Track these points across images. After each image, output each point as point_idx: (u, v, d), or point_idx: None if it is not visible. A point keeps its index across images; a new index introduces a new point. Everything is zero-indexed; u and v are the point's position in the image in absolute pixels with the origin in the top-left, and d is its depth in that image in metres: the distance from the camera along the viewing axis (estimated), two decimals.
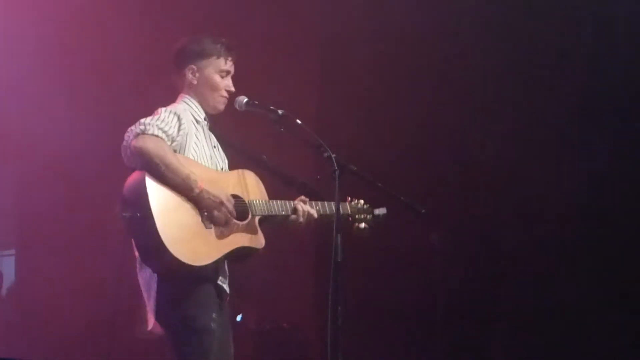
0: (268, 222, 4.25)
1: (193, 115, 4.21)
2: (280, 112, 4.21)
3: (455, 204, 6.42)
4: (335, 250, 3.91)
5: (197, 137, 4.16)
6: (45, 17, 6.55)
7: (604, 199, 6.11)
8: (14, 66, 6.56)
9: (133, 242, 4.01)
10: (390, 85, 6.65)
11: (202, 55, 4.22)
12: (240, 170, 4.27)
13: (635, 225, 5.97)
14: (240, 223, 4.10)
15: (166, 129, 3.98)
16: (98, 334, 6.20)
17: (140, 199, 3.88)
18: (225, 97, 4.27)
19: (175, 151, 4.03)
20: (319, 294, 6.51)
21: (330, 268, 3.89)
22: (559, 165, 6.23)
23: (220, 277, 4.12)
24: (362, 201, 4.51)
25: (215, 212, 4.00)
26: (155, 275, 4.00)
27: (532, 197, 6.30)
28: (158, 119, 4.00)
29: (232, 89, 4.27)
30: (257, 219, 4.17)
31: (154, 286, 4.01)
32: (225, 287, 4.17)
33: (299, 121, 4.16)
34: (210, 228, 4.01)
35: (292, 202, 4.29)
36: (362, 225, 4.48)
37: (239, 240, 4.08)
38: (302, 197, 4.33)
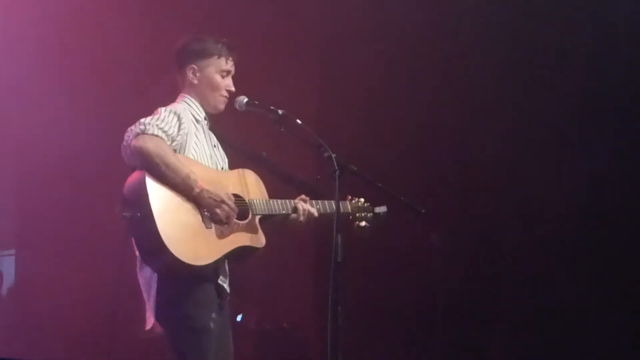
0: (268, 221, 4.25)
1: (193, 115, 4.20)
2: (280, 112, 4.21)
3: (455, 204, 6.42)
4: (335, 250, 3.91)
5: (197, 137, 4.16)
6: (45, 17, 6.55)
7: (604, 199, 6.11)
8: (14, 66, 6.56)
9: (133, 241, 4.02)
10: (390, 85, 6.65)
11: (204, 54, 4.22)
12: (240, 170, 4.28)
13: (635, 225, 5.98)
14: (241, 222, 4.10)
15: (166, 128, 3.98)
16: (98, 334, 6.19)
17: (141, 198, 3.88)
18: (225, 97, 4.27)
19: (175, 151, 4.03)
20: (319, 294, 6.51)
21: (330, 268, 3.89)
22: (559, 165, 6.23)
23: (220, 277, 4.12)
24: (362, 199, 4.51)
25: (216, 211, 4.00)
26: (156, 274, 4.00)
27: (532, 197, 6.31)
28: (158, 118, 4.00)
29: (233, 88, 4.27)
30: (257, 218, 4.17)
31: (154, 286, 4.01)
32: (226, 286, 4.17)
33: (299, 121, 4.16)
34: (211, 227, 4.01)
35: (292, 201, 4.29)
36: (363, 223, 4.48)
37: (239, 239, 4.09)
38: (303, 196, 4.33)
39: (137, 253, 4.04)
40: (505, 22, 6.39)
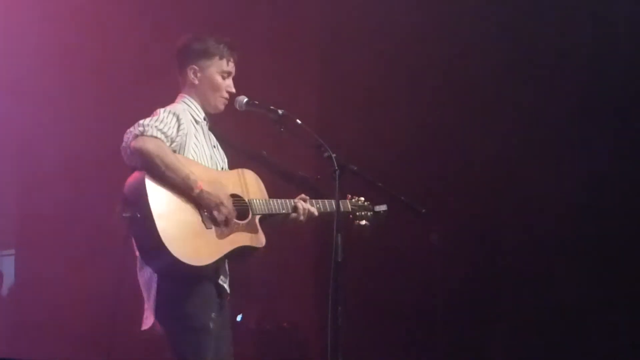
0: (269, 221, 4.25)
1: (192, 115, 4.20)
2: (280, 112, 4.21)
3: (455, 204, 6.42)
4: (336, 250, 3.91)
5: (196, 138, 4.16)
6: (45, 17, 6.55)
7: (604, 199, 6.11)
8: (14, 66, 6.56)
9: (134, 241, 4.02)
10: (390, 85, 6.65)
11: (205, 55, 4.22)
12: (240, 170, 4.28)
13: (635, 225, 5.98)
14: (241, 222, 4.11)
15: (165, 129, 3.98)
16: (98, 334, 6.19)
17: (140, 199, 3.88)
18: (226, 98, 4.27)
19: (174, 151, 4.03)
20: (319, 294, 6.51)
21: (330, 268, 3.89)
22: (559, 165, 6.23)
23: (221, 277, 4.13)
24: (362, 198, 4.52)
25: (215, 213, 4.00)
26: (156, 274, 4.01)
27: (532, 197, 6.30)
28: (157, 120, 4.00)
29: (233, 90, 4.27)
30: (257, 218, 4.18)
31: (154, 285, 4.01)
32: (226, 286, 4.17)
33: (299, 121, 4.16)
34: (211, 228, 4.01)
35: (292, 200, 4.29)
36: (363, 222, 4.49)
37: (239, 239, 4.09)
38: (303, 196, 4.33)
39: (137, 253, 4.05)
40: (505, 22, 6.39)
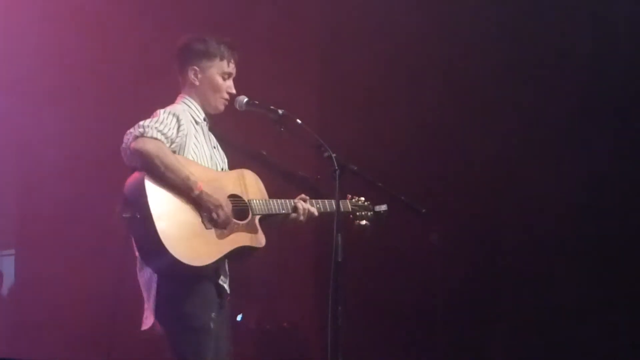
0: (269, 221, 4.25)
1: (192, 116, 4.20)
2: (280, 111, 4.21)
3: (455, 204, 6.42)
4: (336, 250, 3.91)
5: (196, 138, 4.16)
6: (45, 17, 6.55)
7: (604, 199, 6.11)
8: (14, 66, 6.56)
9: (133, 242, 4.02)
10: (390, 86, 6.65)
11: (206, 56, 4.21)
12: (239, 170, 4.28)
13: (635, 225, 5.98)
14: (241, 222, 4.10)
15: (165, 130, 3.98)
16: (98, 334, 6.19)
17: (140, 199, 3.88)
18: (226, 98, 4.26)
19: (174, 152, 4.03)
20: (319, 294, 6.51)
21: (330, 268, 3.89)
22: (559, 165, 6.23)
23: (221, 277, 4.12)
24: (362, 198, 4.52)
25: (213, 215, 4.00)
26: (156, 275, 4.00)
27: (532, 197, 6.31)
28: (157, 121, 4.00)
29: (233, 91, 4.26)
30: (257, 218, 4.17)
31: (154, 286, 4.01)
32: (226, 286, 4.17)
33: (299, 121, 4.16)
34: (211, 228, 4.01)
35: (292, 200, 4.29)
36: (363, 222, 4.49)
37: (239, 239, 4.09)
38: (303, 196, 4.33)
39: (137, 254, 4.05)
40: (505, 22, 6.39)
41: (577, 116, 6.21)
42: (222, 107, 4.27)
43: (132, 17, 6.56)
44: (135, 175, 3.95)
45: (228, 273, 4.19)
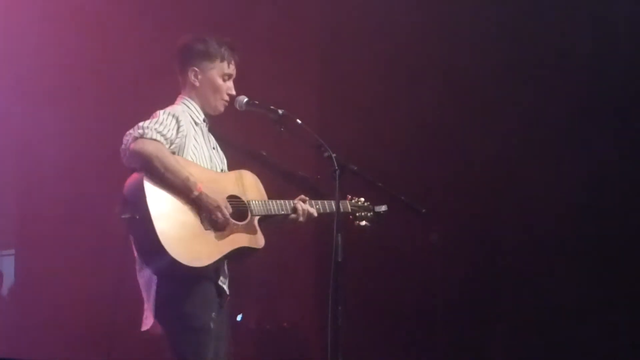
0: (268, 222, 4.25)
1: (192, 117, 4.20)
2: (280, 111, 4.20)
3: (455, 204, 6.42)
4: (336, 250, 3.91)
5: (195, 139, 4.16)
6: (45, 17, 6.55)
7: (604, 199, 6.11)
8: (14, 66, 6.56)
9: (132, 243, 4.01)
10: (390, 86, 6.65)
11: (207, 57, 4.20)
12: (238, 171, 4.27)
13: (635, 225, 5.98)
14: (240, 223, 4.10)
15: (164, 132, 3.98)
16: (98, 334, 6.19)
17: (139, 200, 3.88)
18: (226, 100, 4.26)
19: (173, 153, 4.03)
20: (319, 294, 6.51)
21: (330, 268, 3.89)
22: (559, 165, 6.23)
23: (220, 278, 4.12)
24: (362, 199, 4.51)
25: (212, 217, 4.00)
26: (155, 275, 4.00)
27: (532, 197, 6.31)
28: (156, 122, 3.99)
29: (234, 92, 4.25)
30: (256, 219, 4.17)
31: (154, 286, 4.01)
32: (225, 287, 4.17)
33: (299, 121, 4.15)
34: (210, 229, 4.01)
35: (291, 201, 4.29)
36: (363, 223, 4.48)
37: (238, 240, 4.08)
38: (302, 196, 4.33)
39: (136, 254, 4.04)
40: (505, 22, 6.39)
41: (577, 116, 6.21)
42: (222, 108, 4.27)
43: (132, 17, 6.56)
44: (135, 176, 3.95)
45: (227, 274, 4.19)
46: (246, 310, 6.80)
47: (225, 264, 4.17)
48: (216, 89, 4.23)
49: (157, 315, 4.01)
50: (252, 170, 4.29)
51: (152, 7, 6.65)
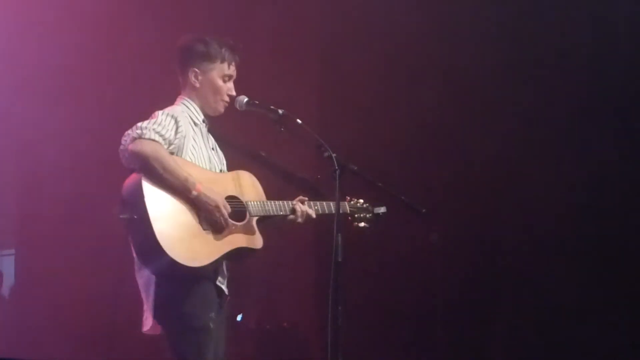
0: (267, 222, 4.24)
1: (191, 118, 4.19)
2: (280, 111, 4.20)
3: (455, 204, 6.42)
4: (336, 250, 3.91)
5: (194, 140, 4.15)
6: (45, 17, 6.55)
7: (604, 199, 6.11)
8: (14, 66, 6.56)
9: (131, 244, 4.01)
10: (390, 86, 6.65)
11: (207, 58, 4.19)
12: (237, 171, 4.27)
13: (635, 225, 5.98)
14: (238, 224, 4.10)
15: (163, 132, 3.98)
16: (98, 334, 6.20)
17: (137, 201, 3.88)
18: (226, 101, 4.25)
19: (172, 154, 4.03)
20: (319, 294, 6.51)
21: (330, 268, 3.89)
22: (559, 165, 6.23)
23: (219, 278, 4.12)
24: (361, 200, 4.51)
25: (211, 217, 4.00)
26: (154, 275, 4.00)
27: (532, 197, 6.31)
28: (155, 122, 3.99)
29: (234, 93, 4.25)
30: (254, 219, 4.17)
31: (153, 286, 4.01)
32: (224, 288, 4.16)
33: (299, 121, 4.15)
34: (208, 229, 4.01)
35: (290, 202, 4.28)
36: (362, 224, 4.48)
37: (236, 241, 4.08)
38: (301, 197, 4.32)
39: (134, 255, 4.04)
40: (505, 22, 6.39)
41: (577, 116, 6.21)
42: (221, 109, 4.27)
43: (132, 17, 6.56)
44: (133, 176, 3.95)
45: (226, 274, 4.19)
46: (246, 310, 6.80)
47: (224, 265, 4.17)
48: (216, 90, 4.22)
49: (156, 315, 4.01)
50: (251, 171, 4.29)
51: (152, 7, 6.65)
